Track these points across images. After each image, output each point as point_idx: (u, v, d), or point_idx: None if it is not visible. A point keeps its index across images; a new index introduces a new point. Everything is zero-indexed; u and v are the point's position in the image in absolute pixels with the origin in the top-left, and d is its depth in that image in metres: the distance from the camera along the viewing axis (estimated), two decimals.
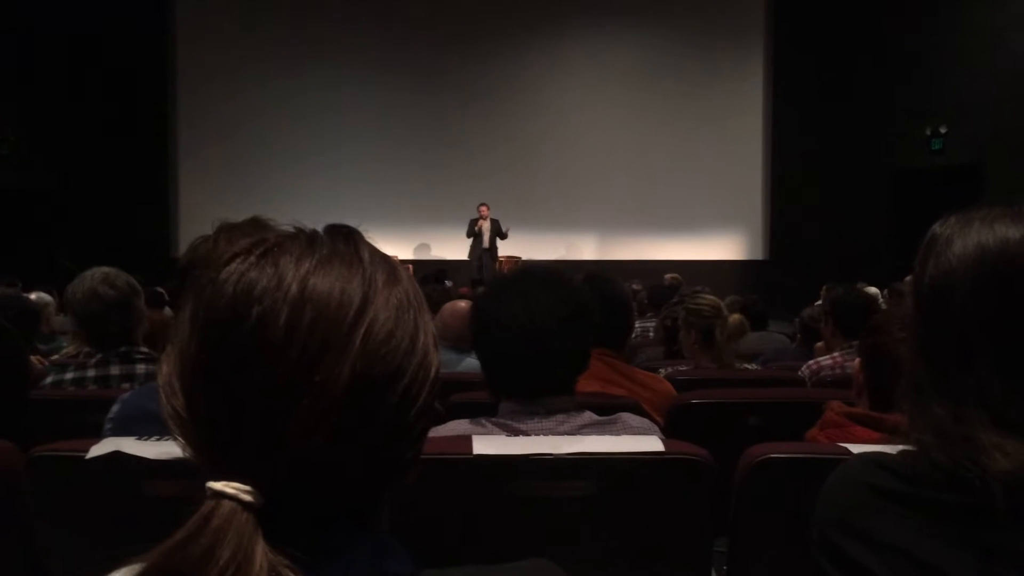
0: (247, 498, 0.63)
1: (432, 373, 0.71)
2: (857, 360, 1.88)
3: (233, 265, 0.69)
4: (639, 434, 1.55)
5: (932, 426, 0.81)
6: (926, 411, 0.82)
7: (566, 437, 1.47)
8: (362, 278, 0.69)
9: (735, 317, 2.96)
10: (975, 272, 0.81)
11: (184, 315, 0.70)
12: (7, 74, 11.07)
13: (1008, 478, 0.75)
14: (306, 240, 0.71)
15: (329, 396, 0.65)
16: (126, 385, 2.49)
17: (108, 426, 1.77)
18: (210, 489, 0.64)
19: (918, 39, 10.42)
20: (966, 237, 0.83)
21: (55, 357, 3.42)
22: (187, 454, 0.68)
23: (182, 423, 0.68)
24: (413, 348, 0.69)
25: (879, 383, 1.78)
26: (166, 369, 0.70)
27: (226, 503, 0.63)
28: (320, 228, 0.74)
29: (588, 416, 1.58)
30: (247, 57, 12.50)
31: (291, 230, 0.73)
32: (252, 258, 0.69)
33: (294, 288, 0.66)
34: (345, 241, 0.72)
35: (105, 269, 2.60)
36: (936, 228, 0.87)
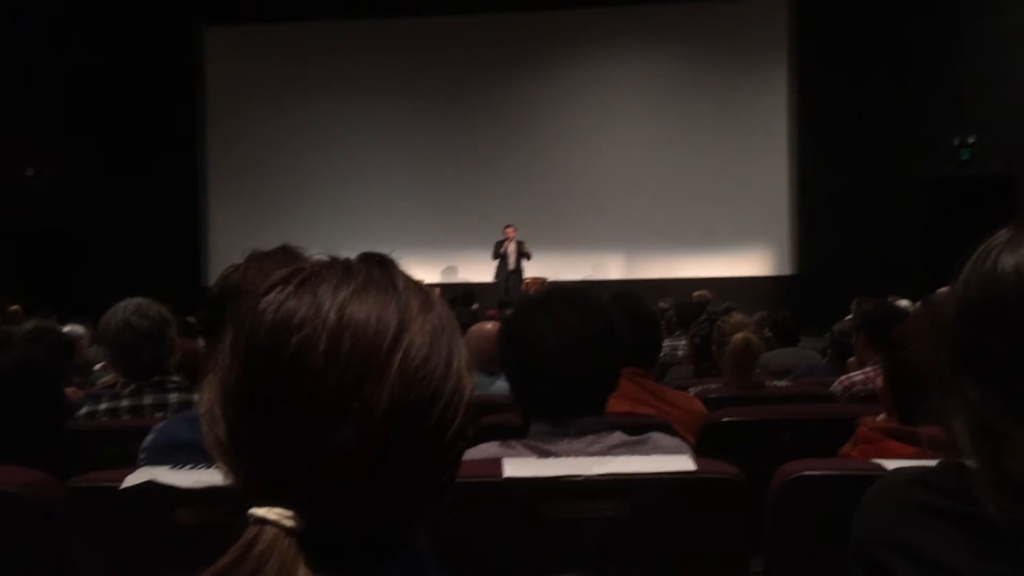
0: (289, 523, 0.64)
1: (466, 396, 0.73)
2: (880, 377, 1.86)
3: (272, 295, 0.70)
4: (670, 454, 1.54)
5: (970, 440, 0.80)
6: (964, 425, 0.81)
7: (597, 458, 1.46)
8: (397, 305, 0.70)
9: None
10: (1018, 289, 0.80)
11: (224, 344, 0.71)
12: (38, 111, 11.30)
13: None
14: (342, 269, 0.73)
15: (368, 421, 0.66)
16: (159, 415, 2.51)
17: (142, 456, 1.78)
18: (253, 515, 0.65)
19: (943, 48, 10.33)
20: (1012, 252, 0.82)
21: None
22: (229, 481, 0.70)
23: (224, 450, 0.69)
24: (448, 372, 0.71)
25: (905, 396, 1.76)
26: (207, 397, 0.71)
27: (269, 529, 0.64)
28: (354, 256, 0.76)
29: (618, 436, 1.57)
30: (274, 86, 12.66)
31: (326, 259, 0.75)
32: (290, 287, 0.70)
33: (332, 316, 0.68)
34: (380, 269, 0.74)
35: (137, 300, 2.64)
36: (986, 242, 0.86)
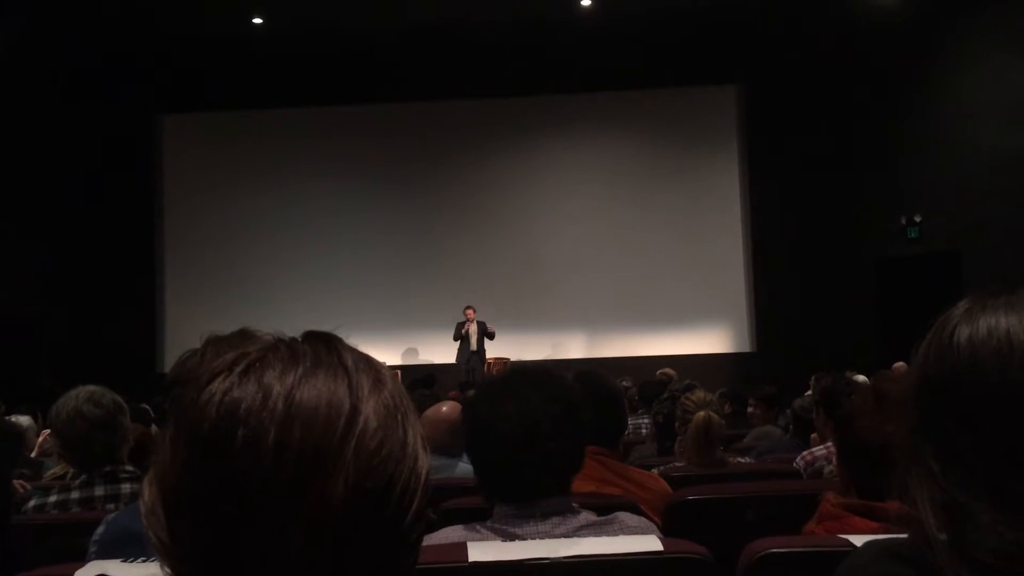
0: None
1: (423, 477, 0.69)
2: (835, 456, 1.87)
3: (215, 384, 0.66)
4: (637, 534, 1.52)
5: (934, 514, 0.80)
6: (927, 499, 0.81)
7: (563, 540, 1.44)
8: (348, 386, 0.67)
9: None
10: (971, 362, 0.80)
11: (165, 438, 0.67)
12: None
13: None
14: (288, 351, 0.69)
15: (324, 515, 0.62)
16: (111, 506, 2.43)
17: (93, 548, 1.72)
18: None
19: (889, 130, 10.74)
20: (968, 324, 0.82)
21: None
22: None
23: (169, 553, 0.65)
24: (404, 454, 0.68)
25: (859, 472, 1.77)
26: (148, 495, 0.67)
27: None
28: (298, 335, 0.73)
29: (584, 517, 1.55)
30: (230, 170, 12.71)
31: (271, 340, 0.71)
32: (234, 376, 0.66)
33: (280, 405, 0.64)
34: (327, 348, 0.70)
35: (90, 388, 2.58)
36: (945, 313, 0.86)
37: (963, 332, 0.81)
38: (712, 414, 2.95)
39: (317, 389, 0.66)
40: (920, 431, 0.83)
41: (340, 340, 0.72)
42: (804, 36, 11.28)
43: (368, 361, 0.72)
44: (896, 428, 0.87)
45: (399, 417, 0.69)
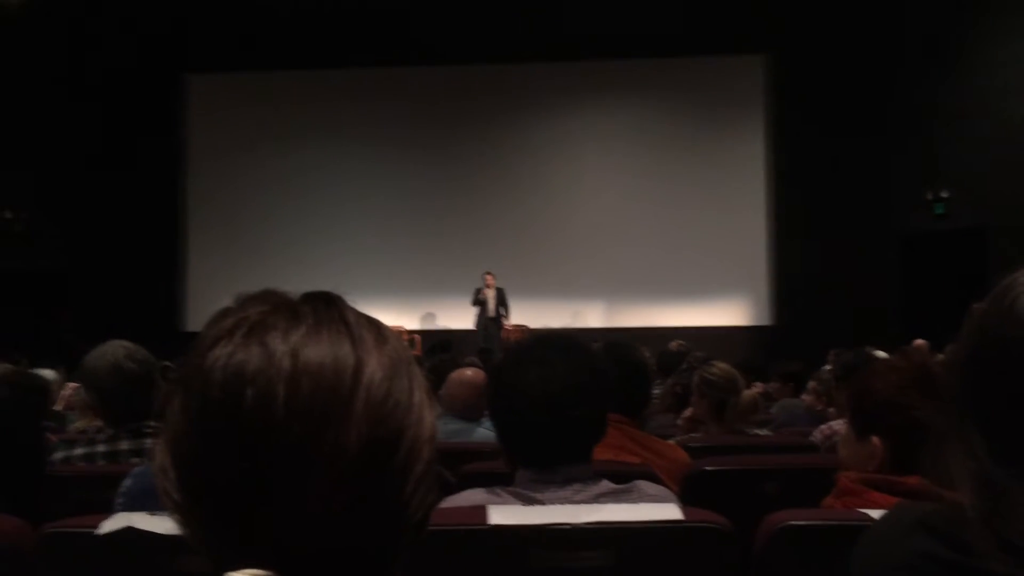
0: None
1: (429, 427, 0.71)
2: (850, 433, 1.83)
3: (218, 349, 0.67)
4: (656, 502, 1.53)
5: (972, 491, 0.77)
6: (965, 475, 0.78)
7: (584, 506, 1.45)
8: (352, 341, 0.68)
9: (748, 393, 2.93)
10: None
11: (174, 407, 0.68)
12: (16, 153, 11.25)
13: None
14: (288, 312, 0.69)
15: (339, 466, 0.64)
16: (135, 460, 2.47)
17: (119, 501, 1.76)
18: None
19: (917, 104, 10.58)
20: None
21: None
22: (193, 544, 0.67)
23: (186, 515, 0.67)
24: (411, 404, 0.69)
25: (896, 447, 1.75)
26: (160, 459, 0.68)
27: None
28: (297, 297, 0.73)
29: (605, 485, 1.56)
30: (255, 134, 12.70)
31: (269, 305, 0.71)
32: (237, 339, 0.67)
33: (286, 363, 0.65)
34: (327, 307, 0.71)
35: (124, 343, 2.59)
36: (1007, 280, 0.80)
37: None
38: (755, 393, 2.96)
39: (322, 346, 0.67)
40: (966, 402, 0.79)
41: (340, 298, 0.73)
42: (836, 5, 11.08)
43: (368, 319, 0.72)
44: (938, 399, 0.84)
45: (403, 368, 0.70)
